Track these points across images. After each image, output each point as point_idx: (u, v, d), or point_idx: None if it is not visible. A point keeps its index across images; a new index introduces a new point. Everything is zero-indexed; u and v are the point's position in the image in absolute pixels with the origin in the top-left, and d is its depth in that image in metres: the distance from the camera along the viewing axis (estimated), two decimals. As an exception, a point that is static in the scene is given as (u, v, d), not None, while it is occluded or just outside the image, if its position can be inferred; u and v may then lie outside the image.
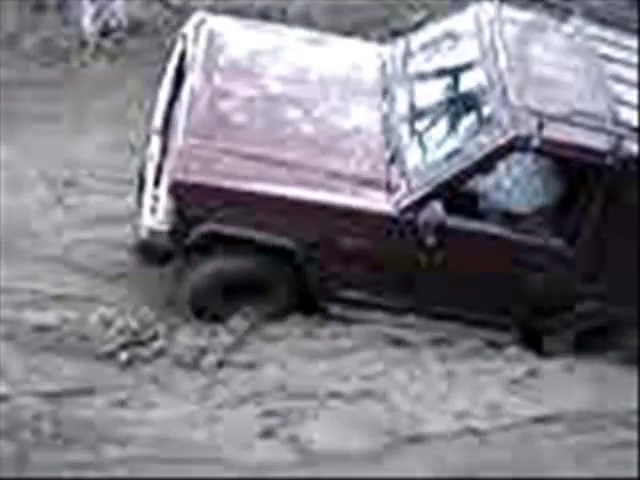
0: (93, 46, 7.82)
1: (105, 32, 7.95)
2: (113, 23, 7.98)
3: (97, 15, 7.94)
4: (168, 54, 6.43)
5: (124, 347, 5.45)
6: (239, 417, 5.07)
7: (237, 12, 7.10)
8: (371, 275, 5.71)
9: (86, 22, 7.90)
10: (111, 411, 5.04)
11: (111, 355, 5.42)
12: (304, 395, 5.25)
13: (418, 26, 7.00)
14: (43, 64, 7.60)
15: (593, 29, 6.37)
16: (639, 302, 5.87)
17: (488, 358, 5.77)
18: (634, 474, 5.10)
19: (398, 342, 5.73)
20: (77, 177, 6.62)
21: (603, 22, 6.45)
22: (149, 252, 5.63)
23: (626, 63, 6.22)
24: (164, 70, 6.24)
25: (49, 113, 7.17)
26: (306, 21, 7.82)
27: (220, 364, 5.46)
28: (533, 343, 6.00)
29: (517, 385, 5.60)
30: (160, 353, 5.47)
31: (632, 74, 6.12)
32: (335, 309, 5.79)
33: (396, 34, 8.10)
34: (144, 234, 5.59)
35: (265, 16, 7.65)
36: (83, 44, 7.82)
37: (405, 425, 5.16)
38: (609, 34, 6.42)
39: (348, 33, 7.46)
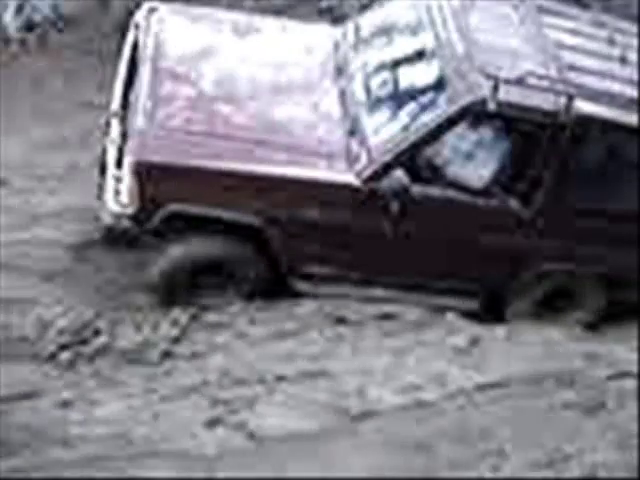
0: (17, 42, 7.72)
1: (29, 27, 7.85)
2: (37, 18, 7.89)
3: (20, 10, 7.85)
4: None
5: (65, 347, 5.39)
6: (186, 408, 5.04)
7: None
8: (337, 248, 5.74)
9: (8, 18, 7.80)
10: (56, 413, 4.98)
11: (52, 356, 5.36)
12: (250, 381, 5.24)
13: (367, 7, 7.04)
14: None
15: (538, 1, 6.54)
16: (601, 261, 5.94)
17: (431, 328, 5.80)
18: (577, 434, 5.18)
19: (341, 320, 5.74)
20: (9, 176, 6.53)
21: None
22: (115, 237, 5.59)
23: (571, 31, 6.35)
24: (120, 55, 6.30)
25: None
26: (237, 2, 7.78)
27: (164, 356, 5.43)
28: (498, 309, 6.06)
29: (461, 354, 5.65)
30: (103, 350, 5.42)
31: (576, 41, 6.25)
32: (303, 285, 5.81)
33: (322, 12, 8.14)
34: (108, 219, 5.56)
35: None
36: (6, 41, 7.71)
37: (354, 402, 5.18)
38: (552, 5, 6.60)
39: (278, 12, 7.45)
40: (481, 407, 5.31)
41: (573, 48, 6.18)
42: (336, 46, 6.42)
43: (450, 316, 5.95)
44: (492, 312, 6.14)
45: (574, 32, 6.36)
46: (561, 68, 5.94)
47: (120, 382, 5.23)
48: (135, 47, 6.26)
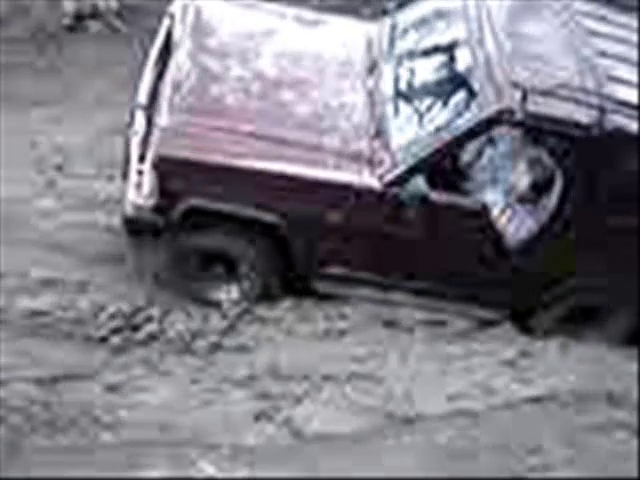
0: (80, 29, 7.78)
1: (94, 14, 7.90)
2: (101, 6, 7.95)
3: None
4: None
5: (116, 331, 5.44)
6: (233, 400, 5.06)
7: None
8: (357, 250, 5.71)
9: (67, 5, 7.86)
10: (104, 396, 5.03)
11: (103, 340, 5.40)
12: (298, 378, 5.24)
13: (405, 3, 6.95)
14: (34, 48, 7.56)
15: (581, 4, 6.34)
16: (632, 281, 5.87)
17: (481, 339, 5.76)
18: (629, 455, 5.11)
19: (391, 324, 5.72)
20: (68, 161, 6.59)
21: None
22: (135, 228, 5.62)
23: (614, 38, 6.20)
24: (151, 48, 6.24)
25: (39, 97, 7.14)
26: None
27: (213, 348, 5.45)
28: (521, 320, 5.99)
29: (510, 366, 5.60)
30: (152, 337, 5.46)
31: (619, 49, 6.10)
32: (322, 286, 5.78)
33: (386, 12, 8.08)
34: (129, 210, 5.59)
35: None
36: (70, 28, 7.78)
37: (399, 407, 5.16)
38: (597, 9, 6.38)
39: (339, 10, 7.42)
40: (528, 420, 5.27)
41: (615, 57, 6.01)
42: (369, 44, 6.33)
43: (499, 327, 5.90)
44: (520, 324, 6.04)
45: (618, 40, 6.17)
46: (599, 79, 5.79)
47: (168, 370, 5.27)
48: (169, 37, 6.21)
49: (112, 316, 5.47)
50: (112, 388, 5.09)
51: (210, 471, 3.87)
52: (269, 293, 5.76)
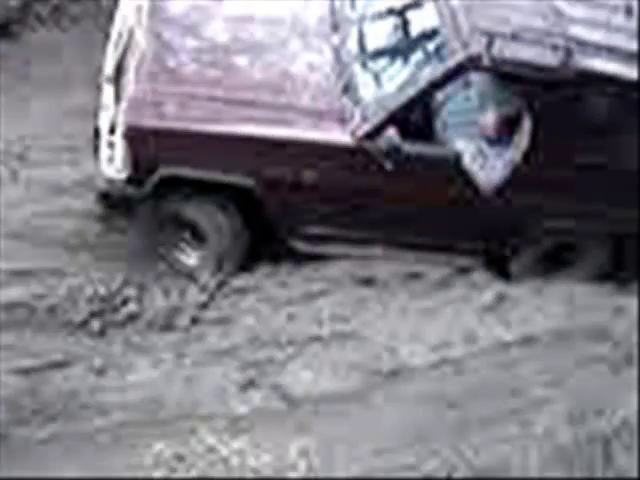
0: (30, 14, 7.65)
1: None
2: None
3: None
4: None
5: (95, 315, 5.42)
6: (218, 372, 5.07)
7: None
8: (333, 208, 5.72)
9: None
10: (90, 380, 5.03)
11: (83, 324, 5.39)
12: (281, 343, 5.27)
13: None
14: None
15: None
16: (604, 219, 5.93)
17: (458, 287, 5.81)
18: (607, 388, 5.19)
19: (368, 281, 5.75)
20: (29, 150, 6.52)
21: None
22: (109, 201, 5.60)
23: None
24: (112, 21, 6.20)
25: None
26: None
27: (193, 322, 5.45)
28: (497, 265, 6.05)
29: (488, 311, 5.66)
30: (132, 317, 5.45)
31: None
32: (300, 246, 5.79)
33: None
34: (102, 184, 5.56)
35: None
36: (20, 12, 7.64)
37: (384, 362, 5.21)
38: None
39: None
40: (510, 363, 5.33)
41: None
42: (332, 3, 6.29)
43: (475, 274, 5.95)
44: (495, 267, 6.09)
45: None
46: (561, 21, 5.83)
47: (151, 348, 5.27)
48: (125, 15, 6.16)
49: (89, 300, 5.46)
50: (98, 372, 5.09)
51: (210, 441, 3.88)
52: (245, 260, 5.77)
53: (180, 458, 3.96)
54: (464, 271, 5.97)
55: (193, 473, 3.87)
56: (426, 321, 5.51)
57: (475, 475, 4.68)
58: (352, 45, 6.04)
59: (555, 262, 6.12)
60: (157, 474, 3.92)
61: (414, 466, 4.63)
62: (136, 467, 4.09)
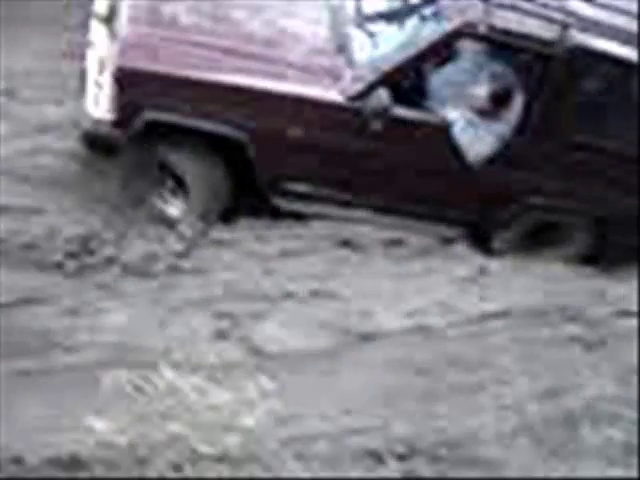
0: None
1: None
2: None
3: None
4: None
5: (72, 256, 5.37)
6: (191, 320, 5.05)
7: None
8: (319, 166, 5.69)
9: None
10: (62, 319, 4.99)
11: (59, 265, 5.34)
12: (255, 297, 5.24)
13: None
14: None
15: None
16: (589, 196, 5.91)
17: (439, 257, 5.79)
18: (579, 367, 5.20)
19: (348, 243, 5.73)
20: (15, 87, 6.45)
21: None
22: (94, 143, 5.55)
23: None
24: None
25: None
26: None
27: (170, 270, 5.42)
28: (481, 240, 6.03)
29: (467, 283, 5.65)
30: (109, 261, 5.40)
31: None
32: (283, 203, 5.76)
33: None
34: (88, 124, 5.51)
35: None
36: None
37: (358, 323, 5.20)
38: None
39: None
40: (484, 335, 5.33)
41: None
42: None
43: (457, 246, 5.93)
44: (478, 242, 6.08)
45: None
46: None
47: (125, 293, 5.23)
48: None
49: (67, 241, 5.41)
50: (70, 312, 5.04)
51: (169, 375, 3.87)
52: (224, 212, 5.73)
53: (140, 389, 3.94)
54: (447, 241, 5.97)
55: (153, 406, 3.85)
56: (403, 287, 5.50)
57: (442, 443, 4.67)
58: (350, 6, 6.03)
59: (538, 240, 6.12)
60: (119, 404, 3.90)
61: (381, 428, 4.62)
62: (94, 397, 4.07)
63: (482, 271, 5.78)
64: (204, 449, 3.77)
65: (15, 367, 4.65)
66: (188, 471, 3.77)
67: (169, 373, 3.99)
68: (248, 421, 3.81)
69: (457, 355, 5.17)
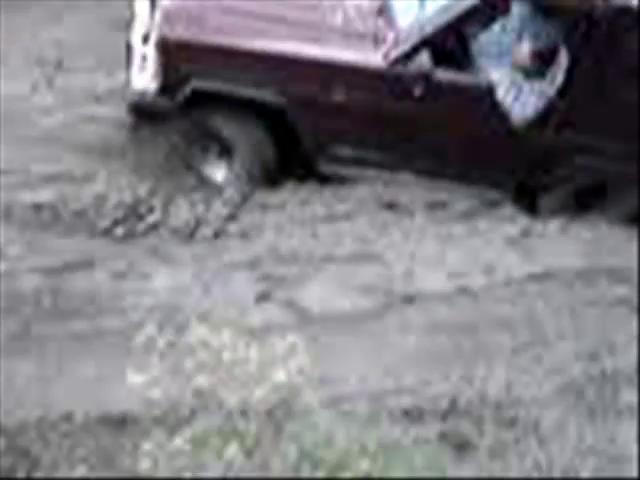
0: None
1: None
2: None
3: None
4: None
5: (119, 222, 5.48)
6: (235, 282, 5.13)
7: None
8: (362, 130, 5.70)
9: None
10: (110, 283, 5.10)
11: (107, 231, 5.45)
12: (300, 260, 5.30)
13: None
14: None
15: None
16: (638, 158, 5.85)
17: (483, 219, 5.78)
18: (628, 329, 5.17)
19: (392, 206, 5.75)
20: (68, 57, 6.56)
21: None
22: (141, 112, 5.64)
23: None
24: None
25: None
26: None
27: (216, 234, 5.50)
28: (529, 201, 6.01)
29: (511, 245, 5.63)
30: (156, 226, 5.51)
31: None
32: (328, 168, 5.80)
33: None
34: (133, 95, 5.60)
35: None
36: None
37: (400, 285, 5.23)
38: None
39: None
40: (529, 297, 5.33)
41: None
42: None
43: (502, 208, 5.92)
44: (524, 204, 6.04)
45: None
46: None
47: (172, 258, 5.33)
48: None
49: (115, 207, 5.52)
50: (118, 276, 5.16)
51: (202, 331, 3.96)
52: (270, 177, 5.79)
53: (172, 345, 4.05)
54: (491, 204, 5.95)
55: (186, 362, 3.96)
56: (447, 249, 5.51)
57: (483, 403, 4.70)
58: None
59: (585, 202, 6.08)
60: (151, 359, 4.01)
61: (422, 388, 4.66)
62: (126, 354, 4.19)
63: (527, 233, 5.76)
64: (233, 401, 3.85)
65: (66, 329, 4.78)
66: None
67: (202, 330, 4.06)
68: (279, 375, 3.86)
69: (500, 316, 5.18)
